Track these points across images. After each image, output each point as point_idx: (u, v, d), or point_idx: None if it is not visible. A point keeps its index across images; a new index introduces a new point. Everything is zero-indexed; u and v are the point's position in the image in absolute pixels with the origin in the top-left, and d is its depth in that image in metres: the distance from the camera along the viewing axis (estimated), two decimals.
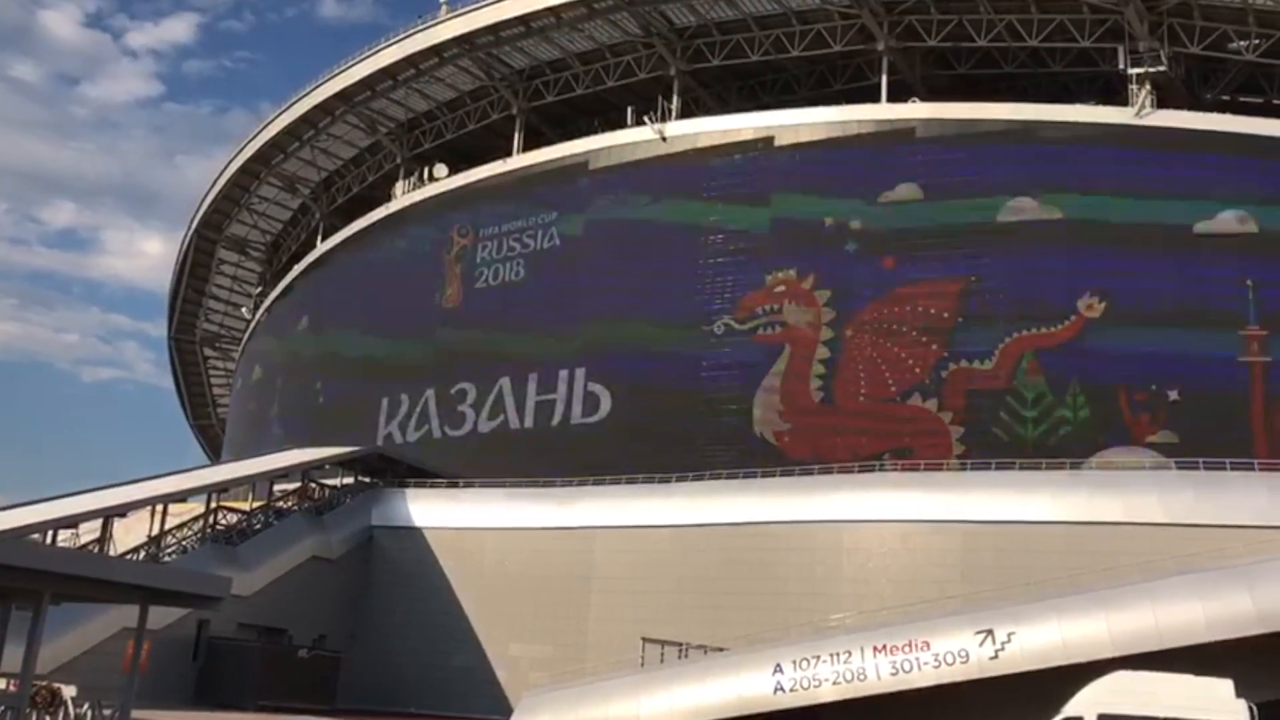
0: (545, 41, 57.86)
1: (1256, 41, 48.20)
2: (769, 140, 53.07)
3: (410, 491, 50.18)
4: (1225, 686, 24.17)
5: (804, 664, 31.47)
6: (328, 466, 53.57)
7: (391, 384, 60.85)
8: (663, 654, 35.82)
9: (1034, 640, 30.08)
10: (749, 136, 53.70)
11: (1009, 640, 30.05)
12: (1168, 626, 29.34)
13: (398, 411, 59.99)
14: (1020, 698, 29.04)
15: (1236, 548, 31.40)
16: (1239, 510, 35.23)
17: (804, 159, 52.55)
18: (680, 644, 36.21)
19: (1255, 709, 22.90)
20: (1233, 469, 37.58)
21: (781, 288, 51.36)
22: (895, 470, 43.91)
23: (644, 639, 35.72)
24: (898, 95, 52.04)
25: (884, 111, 51.53)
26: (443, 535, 47.92)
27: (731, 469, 46.39)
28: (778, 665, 31.84)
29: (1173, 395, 45.29)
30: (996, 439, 46.49)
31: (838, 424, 49.49)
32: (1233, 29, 48.32)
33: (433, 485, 50.92)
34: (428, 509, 49.00)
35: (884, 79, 51.94)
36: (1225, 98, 51.13)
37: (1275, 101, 50.90)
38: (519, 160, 59.36)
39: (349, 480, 54.04)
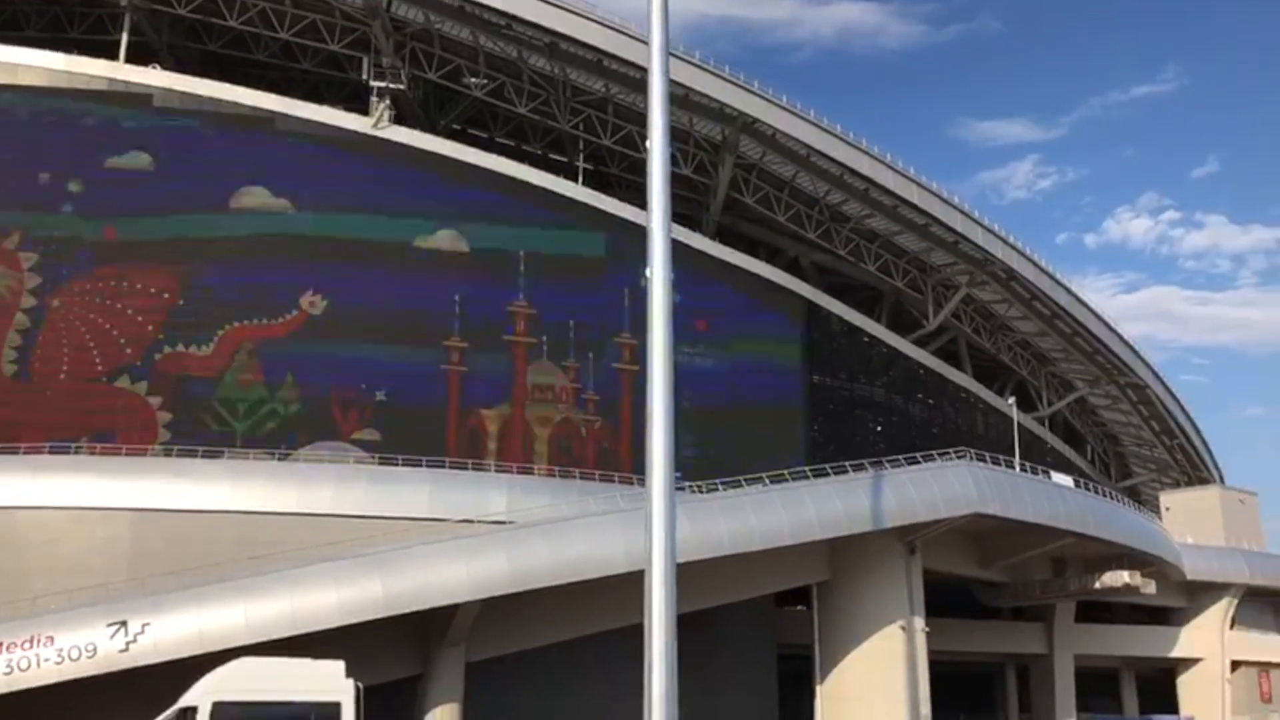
0: None
1: (485, 81, 53.02)
2: None
3: None
4: (336, 668, 25.28)
5: None
6: None
7: None
8: None
9: (169, 631, 29.25)
10: None
11: (142, 632, 28.89)
12: (303, 612, 30.31)
13: None
14: (175, 689, 27.86)
15: (377, 536, 33.48)
16: (403, 503, 37.95)
17: (24, 105, 47.31)
18: None
19: (362, 688, 24.00)
20: (404, 464, 40.54)
21: None
22: (87, 455, 40.73)
23: None
24: (139, 58, 48.89)
25: (120, 71, 48.12)
26: None
27: None
28: None
29: (380, 396, 47.95)
30: (206, 428, 45.61)
31: (31, 401, 44.95)
32: (467, 65, 52.65)
33: None
34: None
35: (125, 37, 48.59)
36: (457, 127, 55.61)
37: (498, 139, 56.58)
38: None
39: None
